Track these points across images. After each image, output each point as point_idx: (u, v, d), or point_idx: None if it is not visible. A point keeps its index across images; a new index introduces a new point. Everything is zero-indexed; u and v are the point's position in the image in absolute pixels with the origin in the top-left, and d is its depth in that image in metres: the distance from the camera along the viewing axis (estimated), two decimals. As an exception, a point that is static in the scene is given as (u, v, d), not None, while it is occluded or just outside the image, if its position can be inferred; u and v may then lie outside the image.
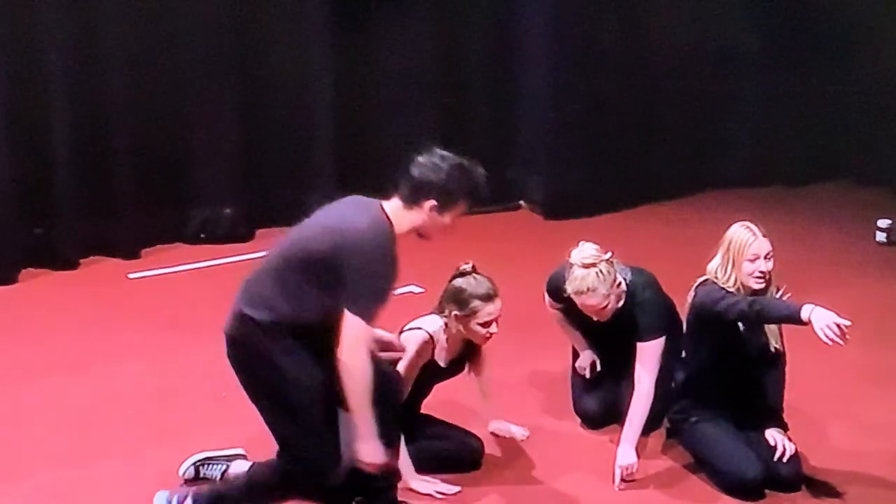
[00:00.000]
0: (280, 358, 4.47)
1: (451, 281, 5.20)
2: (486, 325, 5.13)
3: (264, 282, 4.53)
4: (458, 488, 5.18)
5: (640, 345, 5.42)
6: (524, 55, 8.94)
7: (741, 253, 5.20)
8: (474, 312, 5.11)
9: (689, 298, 5.27)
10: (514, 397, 5.75)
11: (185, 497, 4.67)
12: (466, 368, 5.44)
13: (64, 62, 7.61)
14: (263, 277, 4.55)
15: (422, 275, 7.49)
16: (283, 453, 4.62)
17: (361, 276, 4.38)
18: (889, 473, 5.38)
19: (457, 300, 5.13)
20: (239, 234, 8.34)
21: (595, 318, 5.48)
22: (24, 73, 7.54)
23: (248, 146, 8.31)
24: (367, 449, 4.45)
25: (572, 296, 5.41)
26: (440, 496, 5.13)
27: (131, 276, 7.71)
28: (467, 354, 5.40)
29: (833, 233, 8.54)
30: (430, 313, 5.28)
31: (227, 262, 8.00)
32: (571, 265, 5.38)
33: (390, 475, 4.84)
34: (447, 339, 5.23)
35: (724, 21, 9.17)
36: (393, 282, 4.50)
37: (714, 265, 5.26)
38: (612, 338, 5.66)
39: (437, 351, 5.24)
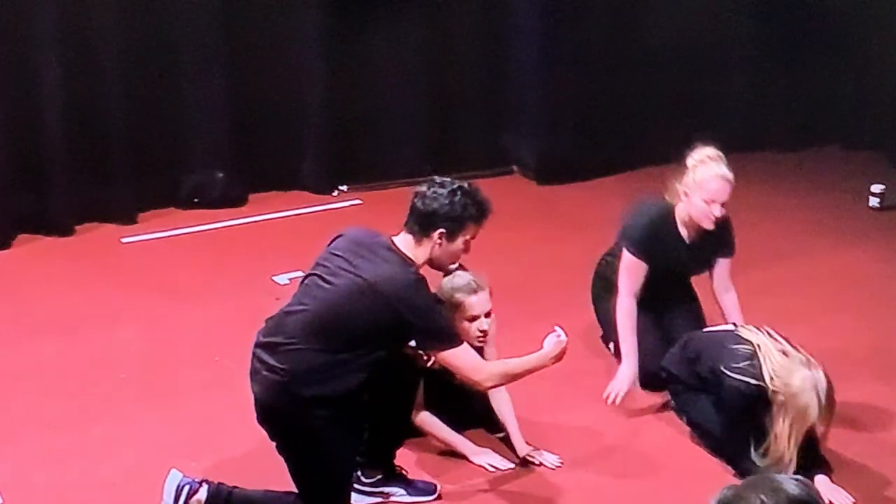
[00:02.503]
0: (322, 429, 4.49)
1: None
2: (472, 319, 5.07)
3: (307, 356, 4.47)
4: (512, 465, 5.15)
5: (723, 260, 5.78)
6: (516, 20, 8.90)
7: (802, 423, 4.88)
8: (457, 306, 5.04)
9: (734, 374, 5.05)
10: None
11: (199, 487, 4.67)
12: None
13: (56, 28, 7.55)
14: (304, 350, 4.48)
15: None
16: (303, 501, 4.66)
17: (427, 317, 4.49)
18: (883, 431, 5.45)
19: (443, 298, 5.05)
20: (232, 198, 8.32)
21: (707, 224, 5.60)
22: (17, 39, 7.49)
23: (241, 110, 8.27)
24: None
25: (713, 180, 5.53)
26: (492, 469, 5.13)
27: (124, 240, 7.70)
28: None
29: (826, 198, 8.54)
30: None
31: (221, 227, 8.00)
32: (700, 159, 5.52)
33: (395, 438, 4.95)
34: None
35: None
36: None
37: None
38: (676, 287, 5.85)
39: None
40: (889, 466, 5.17)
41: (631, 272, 5.67)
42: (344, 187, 8.65)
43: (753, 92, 9.48)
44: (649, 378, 5.68)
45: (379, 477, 4.94)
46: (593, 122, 8.98)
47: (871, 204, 8.31)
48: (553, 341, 4.72)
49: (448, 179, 4.72)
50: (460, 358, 4.54)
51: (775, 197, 8.60)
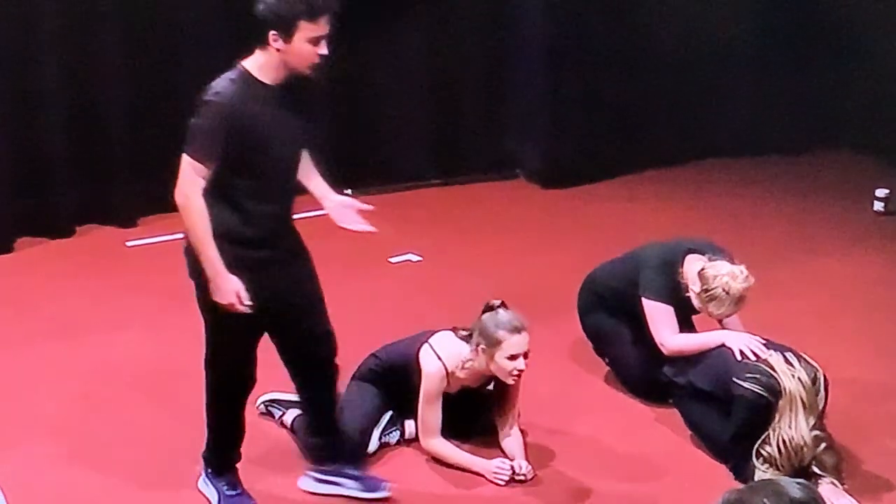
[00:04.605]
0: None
1: (480, 316, 5.13)
2: (512, 358, 5.04)
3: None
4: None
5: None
6: (520, 24, 8.91)
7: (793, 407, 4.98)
8: (499, 343, 5.03)
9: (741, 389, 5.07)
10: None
11: None
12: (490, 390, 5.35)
13: (57, 29, 7.57)
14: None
15: (419, 243, 7.53)
16: (207, 358, 4.79)
17: (194, 116, 4.45)
18: (888, 436, 5.43)
19: (483, 333, 5.06)
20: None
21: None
22: (17, 40, 7.49)
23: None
24: (213, 287, 4.49)
25: (725, 311, 5.37)
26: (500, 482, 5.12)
27: (129, 244, 7.71)
28: (489, 390, 5.34)
29: (830, 202, 8.54)
30: (465, 338, 5.20)
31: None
32: (729, 291, 5.28)
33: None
34: (466, 370, 5.17)
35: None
36: (220, 122, 4.42)
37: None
38: None
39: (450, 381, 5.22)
40: (895, 472, 5.17)
41: (664, 318, 5.53)
42: (349, 191, 8.63)
43: (758, 96, 9.47)
44: (648, 386, 5.68)
45: (335, 467, 4.97)
46: (598, 127, 8.98)
47: (875, 208, 8.31)
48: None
49: None
50: (183, 166, 4.40)
51: (780, 200, 8.60)
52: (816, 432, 4.95)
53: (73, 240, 7.80)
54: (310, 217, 8.12)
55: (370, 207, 4.93)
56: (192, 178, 4.40)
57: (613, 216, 8.27)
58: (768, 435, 4.96)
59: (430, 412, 5.16)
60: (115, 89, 7.82)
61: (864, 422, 5.51)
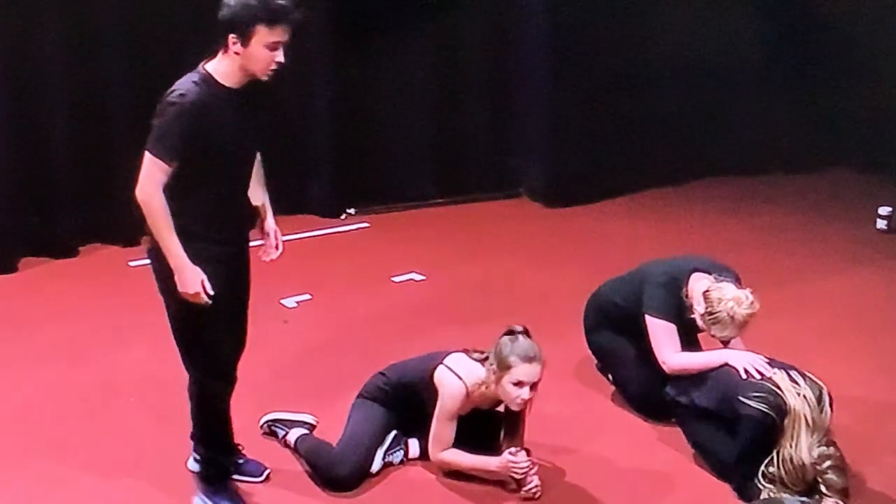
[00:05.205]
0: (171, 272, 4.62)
1: (500, 338, 5.13)
2: (518, 384, 5.04)
3: None
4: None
5: None
6: (523, 43, 8.93)
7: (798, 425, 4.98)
8: (508, 368, 5.02)
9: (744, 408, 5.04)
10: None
11: None
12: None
13: (61, 49, 7.59)
14: None
15: (422, 262, 7.53)
16: (185, 363, 4.88)
17: (157, 116, 4.57)
18: (891, 454, 5.41)
19: (497, 355, 5.06)
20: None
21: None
22: (21, 59, 7.51)
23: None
24: (178, 279, 4.63)
25: (728, 334, 5.37)
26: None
27: (132, 263, 7.71)
28: (498, 412, 5.33)
29: (833, 220, 8.54)
30: (479, 360, 5.20)
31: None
32: (734, 316, 5.26)
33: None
34: (480, 391, 5.17)
35: (727, 12, 9.13)
36: (183, 123, 4.55)
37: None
38: None
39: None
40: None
41: (667, 336, 5.52)
42: (352, 210, 8.66)
43: (760, 114, 9.48)
44: (652, 405, 5.67)
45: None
46: (600, 145, 8.99)
47: (878, 226, 8.31)
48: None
49: None
50: (145, 164, 4.53)
51: (782, 218, 8.60)
52: (822, 449, 4.93)
53: (76, 259, 7.81)
54: (312, 237, 8.21)
55: (279, 250, 5.16)
56: (154, 176, 4.53)
57: (616, 235, 8.28)
58: (774, 455, 4.95)
59: (445, 429, 5.17)
60: (118, 109, 7.83)
61: (867, 440, 5.49)
